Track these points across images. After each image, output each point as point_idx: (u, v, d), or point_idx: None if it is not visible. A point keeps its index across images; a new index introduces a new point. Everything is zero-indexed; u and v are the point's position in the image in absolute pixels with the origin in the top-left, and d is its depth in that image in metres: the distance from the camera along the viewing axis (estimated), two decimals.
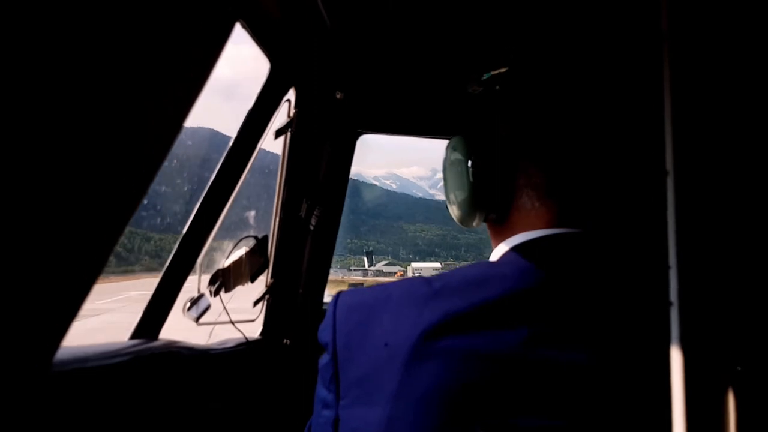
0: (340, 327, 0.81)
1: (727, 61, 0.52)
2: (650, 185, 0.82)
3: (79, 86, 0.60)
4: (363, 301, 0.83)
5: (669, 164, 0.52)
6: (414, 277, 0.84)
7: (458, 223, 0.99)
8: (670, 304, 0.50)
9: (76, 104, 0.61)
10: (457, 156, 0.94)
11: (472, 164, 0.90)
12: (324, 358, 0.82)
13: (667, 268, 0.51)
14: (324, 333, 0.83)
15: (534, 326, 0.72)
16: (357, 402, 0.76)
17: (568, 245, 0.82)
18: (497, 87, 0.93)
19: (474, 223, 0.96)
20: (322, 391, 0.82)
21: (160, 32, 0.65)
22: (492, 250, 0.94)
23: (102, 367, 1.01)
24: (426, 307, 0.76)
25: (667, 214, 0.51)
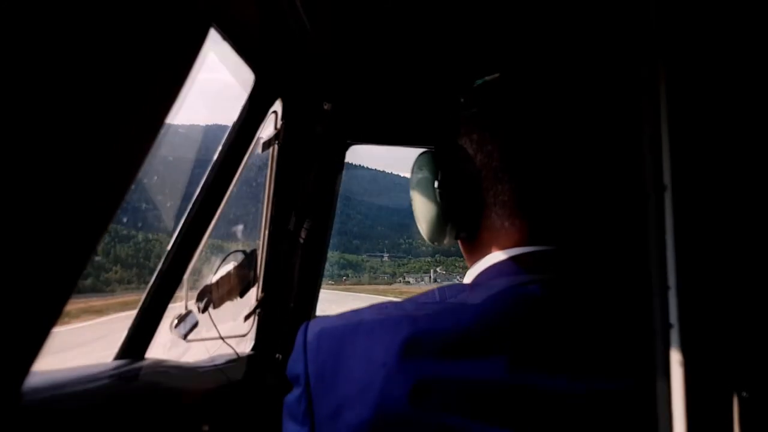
0: (312, 357, 0.77)
1: (724, 71, 0.50)
2: (632, 202, 0.81)
3: (47, 94, 0.58)
4: (334, 328, 0.79)
5: (667, 179, 0.49)
6: (386, 302, 0.81)
7: (428, 241, 0.98)
8: (669, 326, 0.48)
9: (43, 114, 0.58)
10: (424, 174, 0.92)
11: (438, 183, 0.89)
12: (293, 393, 0.78)
13: (666, 288, 0.49)
14: (294, 365, 0.79)
15: (511, 353, 0.69)
16: None
17: (539, 265, 0.80)
18: (476, 98, 0.91)
19: (445, 242, 0.95)
20: (293, 428, 0.77)
21: (129, 38, 0.62)
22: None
23: (81, 391, 0.97)
24: (400, 330, 0.73)
25: (666, 232, 0.49)
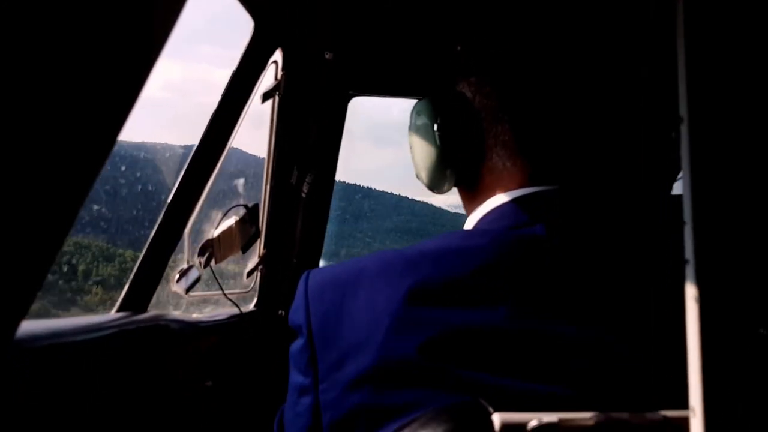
0: (314, 307, 0.76)
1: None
2: (637, 139, 0.80)
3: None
4: (336, 277, 0.78)
5: (683, 110, 0.47)
6: (386, 250, 0.80)
7: (428, 189, 0.98)
8: (686, 262, 0.46)
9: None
10: (423, 120, 0.93)
11: (438, 127, 0.89)
12: (297, 343, 0.77)
13: (683, 223, 0.47)
14: (296, 315, 0.78)
15: (515, 298, 0.69)
16: (337, 384, 0.71)
17: (542, 205, 0.79)
18: (474, 42, 0.91)
19: (445, 188, 0.95)
20: (297, 378, 0.77)
21: None
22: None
23: (81, 342, 0.96)
24: (403, 277, 0.72)
25: (682, 166, 0.47)
